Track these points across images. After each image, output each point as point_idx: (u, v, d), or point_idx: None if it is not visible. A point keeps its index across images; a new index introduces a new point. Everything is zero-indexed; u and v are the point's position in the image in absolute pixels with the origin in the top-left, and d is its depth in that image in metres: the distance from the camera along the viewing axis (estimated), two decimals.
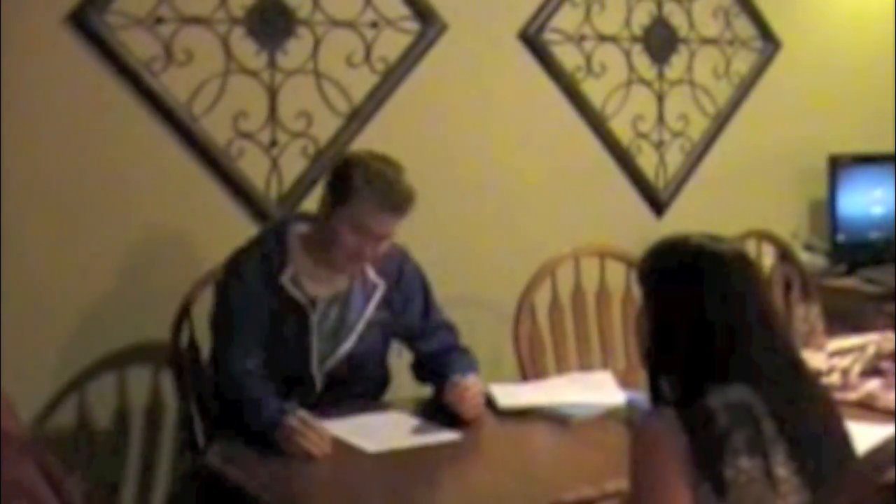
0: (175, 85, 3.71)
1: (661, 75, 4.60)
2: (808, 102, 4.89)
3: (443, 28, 4.12)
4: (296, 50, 3.89)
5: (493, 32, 4.25)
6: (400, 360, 3.41)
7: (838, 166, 4.77)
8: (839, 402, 2.39)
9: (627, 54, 4.52)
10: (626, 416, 2.97)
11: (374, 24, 4.01)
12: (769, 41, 4.81)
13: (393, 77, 4.06)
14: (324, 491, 2.70)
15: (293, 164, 3.92)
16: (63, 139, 3.58)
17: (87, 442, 3.67)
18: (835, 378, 3.17)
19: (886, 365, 3.25)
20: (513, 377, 3.67)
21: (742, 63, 4.77)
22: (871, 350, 3.29)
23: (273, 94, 3.86)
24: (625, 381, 3.32)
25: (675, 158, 4.66)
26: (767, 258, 4.27)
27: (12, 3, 3.45)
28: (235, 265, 3.17)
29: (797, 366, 2.19)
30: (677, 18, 4.61)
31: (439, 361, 3.24)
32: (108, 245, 3.67)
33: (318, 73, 3.93)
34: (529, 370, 3.70)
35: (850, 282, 4.69)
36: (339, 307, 3.18)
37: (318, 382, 3.18)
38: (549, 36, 4.34)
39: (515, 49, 4.30)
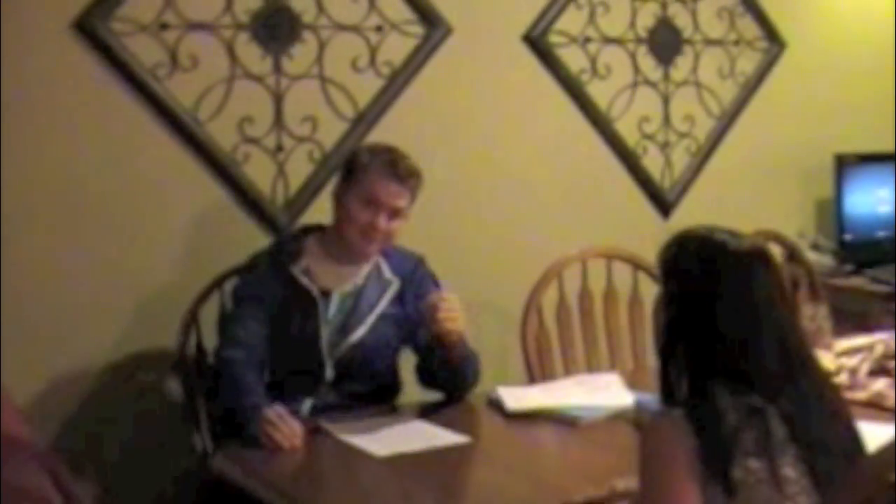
0: (180, 90, 3.71)
1: (666, 76, 4.60)
2: (814, 102, 4.89)
3: (447, 31, 4.12)
4: (301, 55, 3.89)
5: (498, 35, 4.25)
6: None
7: (844, 166, 4.77)
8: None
9: (632, 56, 4.52)
10: (634, 418, 2.97)
11: (378, 29, 4.01)
12: (774, 42, 4.81)
13: (398, 81, 4.06)
14: (332, 495, 2.70)
15: (299, 169, 3.92)
16: (68, 145, 3.59)
17: (93, 448, 3.67)
18: (843, 378, 3.17)
19: (894, 364, 3.24)
20: (520, 379, 3.67)
21: (747, 63, 4.77)
22: (878, 349, 3.29)
23: (278, 99, 3.87)
24: (632, 383, 3.32)
25: (681, 159, 4.66)
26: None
27: (17, 9, 3.46)
28: (250, 261, 3.34)
29: (810, 366, 2.18)
30: (682, 20, 4.61)
31: None
32: (113, 250, 3.66)
33: (324, 78, 3.93)
34: (537, 372, 3.70)
35: (857, 281, 4.68)
36: (352, 300, 3.24)
37: (329, 373, 3.20)
38: (553, 38, 4.34)
39: (520, 51, 4.29)
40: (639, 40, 4.52)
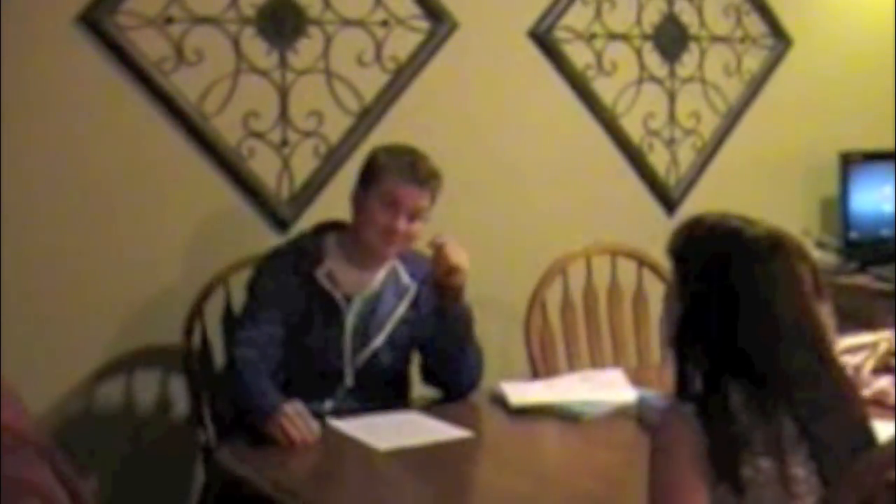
0: (186, 85, 3.71)
1: (672, 73, 4.60)
2: (819, 100, 4.88)
3: (453, 27, 4.12)
4: (306, 49, 3.89)
5: (504, 31, 4.25)
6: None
7: (849, 163, 4.76)
8: None
9: (638, 52, 4.51)
10: (637, 414, 2.97)
11: (384, 23, 4.01)
12: (780, 39, 4.80)
13: (403, 76, 4.06)
14: (333, 488, 2.71)
15: (304, 164, 3.92)
16: (73, 139, 3.59)
17: (96, 444, 3.67)
18: None
19: None
20: (524, 375, 3.67)
21: (753, 61, 4.76)
22: (882, 347, 3.29)
23: (284, 93, 3.87)
24: (636, 379, 3.32)
25: (686, 156, 4.65)
26: None
27: (22, 3, 3.46)
28: (269, 260, 3.28)
29: (827, 363, 2.14)
30: (688, 16, 4.60)
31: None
32: (117, 245, 3.67)
33: (329, 73, 3.93)
34: (540, 368, 3.70)
35: (861, 279, 4.68)
36: (371, 304, 3.22)
37: (349, 378, 3.20)
38: (559, 34, 4.34)
39: (526, 47, 4.29)
40: (645, 37, 4.52)
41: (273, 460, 2.78)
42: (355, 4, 3.95)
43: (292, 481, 2.68)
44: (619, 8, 4.44)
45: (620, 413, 3.03)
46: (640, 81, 4.53)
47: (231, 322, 3.45)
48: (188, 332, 3.49)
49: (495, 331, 3.98)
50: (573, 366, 3.78)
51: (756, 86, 4.77)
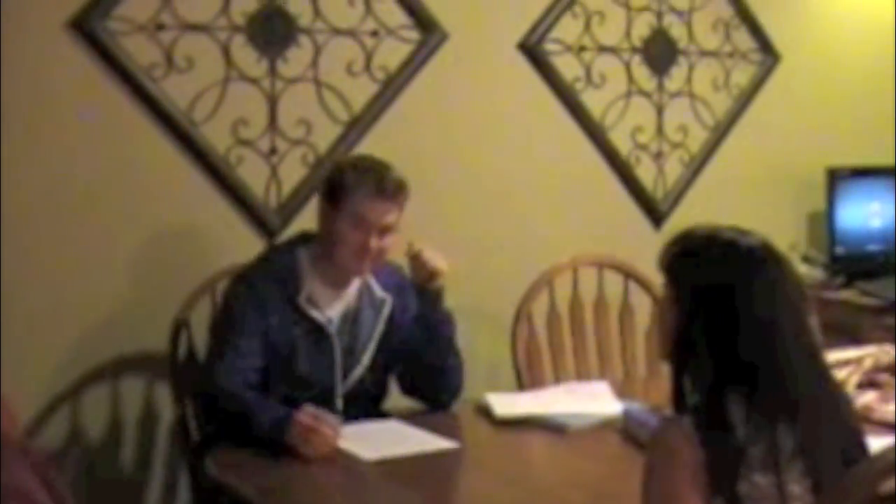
0: (175, 91, 3.71)
1: (660, 87, 4.61)
2: (807, 115, 4.90)
3: (443, 37, 4.13)
4: (296, 58, 3.89)
5: (494, 42, 4.26)
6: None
7: (837, 179, 4.78)
8: None
9: (627, 65, 4.52)
10: (622, 427, 2.97)
11: (374, 33, 4.01)
12: (768, 54, 4.82)
13: (393, 86, 4.06)
14: (322, 499, 2.70)
15: (292, 172, 3.92)
16: (63, 144, 3.59)
17: (81, 451, 3.67)
18: None
19: (883, 377, 3.25)
20: (510, 386, 3.67)
21: (741, 75, 4.77)
22: (868, 362, 3.29)
23: (273, 101, 3.87)
24: (622, 391, 3.32)
25: (674, 170, 4.66)
26: None
27: (14, 7, 3.46)
28: (247, 279, 3.16)
29: (823, 377, 2.13)
30: (677, 30, 4.61)
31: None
32: (105, 252, 3.66)
33: (319, 82, 3.94)
34: (527, 379, 3.70)
35: (847, 294, 4.68)
36: (351, 325, 3.20)
37: (339, 401, 3.17)
38: (548, 46, 4.35)
39: (515, 59, 4.30)
40: (634, 50, 4.53)
41: (260, 470, 2.77)
42: (346, 14, 3.96)
43: (277, 489, 2.68)
44: (609, 21, 4.45)
45: (606, 425, 3.03)
46: (628, 95, 4.54)
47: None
48: (175, 339, 3.48)
49: (482, 342, 3.98)
50: (559, 378, 3.78)
51: (744, 100, 4.79)
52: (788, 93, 4.86)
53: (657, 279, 2.24)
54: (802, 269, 4.60)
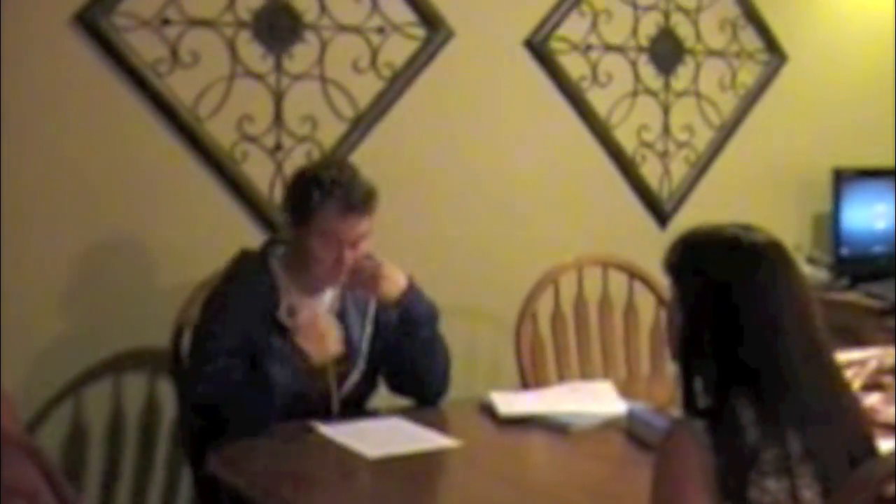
0: (181, 87, 3.71)
1: (666, 86, 4.60)
2: (813, 116, 4.89)
3: (449, 35, 4.12)
4: (302, 54, 3.89)
5: (500, 40, 4.25)
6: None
7: (842, 180, 4.77)
8: None
9: (633, 64, 4.52)
10: (626, 427, 2.96)
11: (380, 30, 4.01)
12: (775, 54, 4.81)
13: (398, 83, 4.06)
14: (323, 496, 2.70)
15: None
16: (67, 140, 3.58)
17: (83, 447, 3.66)
18: None
19: (887, 379, 3.24)
20: (513, 385, 3.66)
21: (748, 75, 4.76)
22: (872, 364, 3.28)
23: (279, 98, 3.86)
24: (626, 391, 3.31)
25: (679, 169, 4.66)
26: None
27: (18, 3, 3.45)
28: (222, 298, 3.12)
29: (832, 377, 2.10)
30: (684, 30, 4.60)
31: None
32: (109, 247, 3.66)
33: (324, 78, 3.93)
34: (530, 378, 3.70)
35: (852, 296, 4.67)
36: (339, 330, 3.18)
37: (337, 407, 3.16)
38: (555, 45, 4.34)
39: (521, 57, 4.29)
40: (640, 49, 4.52)
41: (262, 466, 2.77)
42: (352, 10, 3.95)
43: (278, 487, 2.67)
44: (616, 20, 4.45)
45: (609, 425, 3.02)
46: (634, 93, 4.53)
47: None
48: (177, 335, 3.48)
49: (486, 341, 3.97)
50: (563, 377, 3.78)
51: (750, 100, 4.78)
52: (795, 93, 4.85)
53: (662, 279, 2.22)
54: (806, 270, 4.59)
